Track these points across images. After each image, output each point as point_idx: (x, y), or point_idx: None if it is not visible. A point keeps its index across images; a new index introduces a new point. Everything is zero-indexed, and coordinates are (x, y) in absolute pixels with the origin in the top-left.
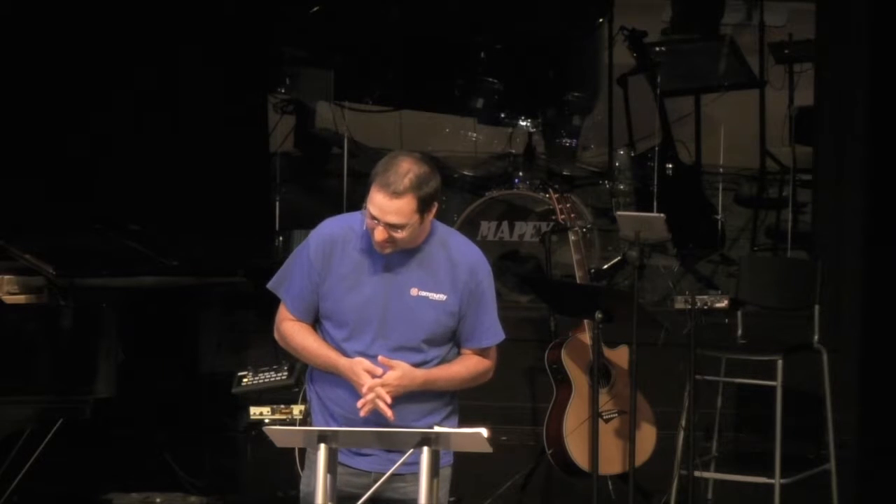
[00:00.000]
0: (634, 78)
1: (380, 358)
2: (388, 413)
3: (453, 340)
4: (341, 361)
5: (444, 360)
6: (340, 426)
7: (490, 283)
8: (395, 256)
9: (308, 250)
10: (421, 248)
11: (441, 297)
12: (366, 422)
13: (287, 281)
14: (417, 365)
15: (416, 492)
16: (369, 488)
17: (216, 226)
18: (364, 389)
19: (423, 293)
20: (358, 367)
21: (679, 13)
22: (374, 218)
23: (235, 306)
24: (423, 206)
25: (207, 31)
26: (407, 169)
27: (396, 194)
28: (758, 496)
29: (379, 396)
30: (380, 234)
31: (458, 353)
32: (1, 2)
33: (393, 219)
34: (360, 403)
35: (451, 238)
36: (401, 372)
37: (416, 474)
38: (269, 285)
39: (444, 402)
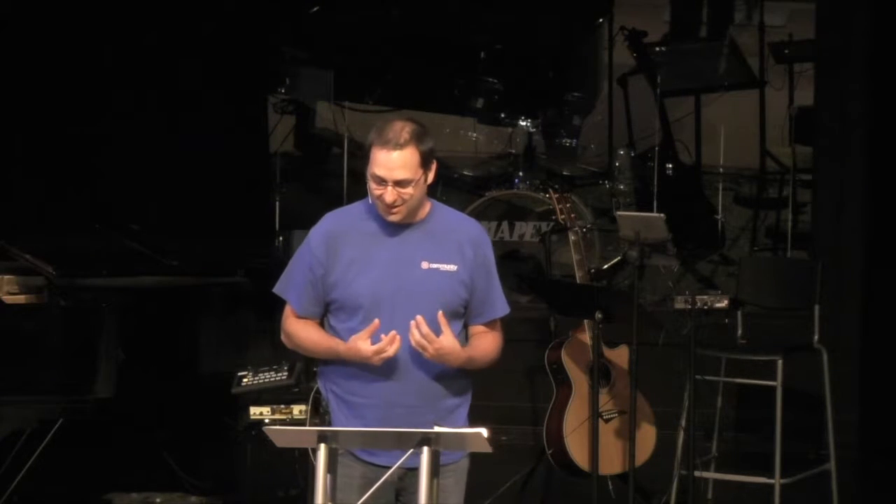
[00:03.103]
0: (634, 78)
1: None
2: (428, 348)
3: (462, 318)
4: (341, 347)
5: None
6: (364, 417)
7: (492, 253)
8: (400, 234)
9: (309, 245)
10: (424, 222)
11: (452, 267)
12: (390, 404)
13: (290, 280)
14: None
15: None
16: (393, 483)
17: (216, 226)
18: (390, 342)
19: (434, 265)
20: (353, 343)
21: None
22: (380, 181)
23: (235, 306)
24: (425, 161)
25: (208, 31)
26: (402, 125)
27: (399, 146)
28: (758, 496)
29: (419, 345)
30: (390, 195)
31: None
32: (1, 1)
33: (400, 174)
34: (380, 346)
35: (448, 213)
36: (452, 341)
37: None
38: (275, 289)
39: (462, 387)
